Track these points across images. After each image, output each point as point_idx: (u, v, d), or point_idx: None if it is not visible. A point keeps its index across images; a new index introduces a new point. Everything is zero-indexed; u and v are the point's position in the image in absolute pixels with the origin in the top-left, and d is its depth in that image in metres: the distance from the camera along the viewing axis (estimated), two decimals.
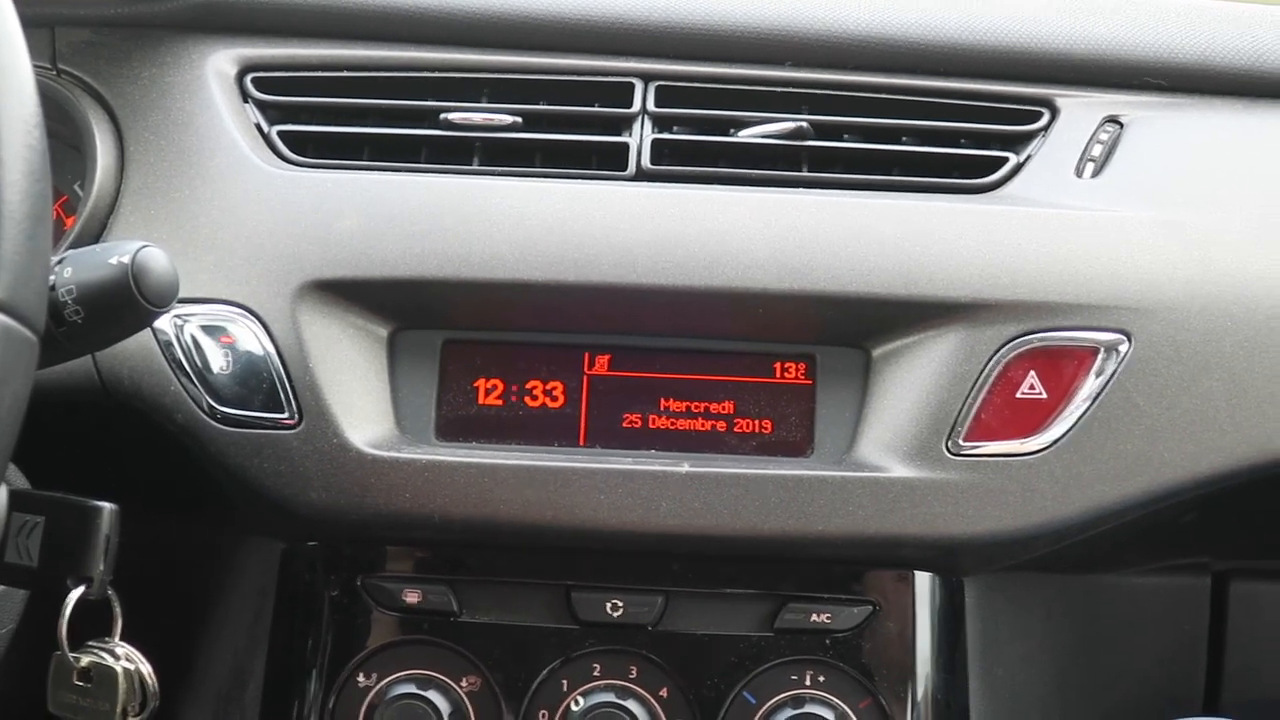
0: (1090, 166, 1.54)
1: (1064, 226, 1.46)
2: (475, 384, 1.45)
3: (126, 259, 1.15)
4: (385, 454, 1.39)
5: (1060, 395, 1.40)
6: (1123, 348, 1.41)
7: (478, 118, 1.55)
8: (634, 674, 1.44)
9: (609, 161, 1.54)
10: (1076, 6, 1.67)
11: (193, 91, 1.56)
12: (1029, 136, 1.57)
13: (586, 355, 1.46)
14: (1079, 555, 1.49)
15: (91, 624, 1.28)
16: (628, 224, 1.44)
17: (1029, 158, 1.55)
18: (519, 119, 1.55)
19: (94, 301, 1.14)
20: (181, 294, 1.21)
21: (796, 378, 1.45)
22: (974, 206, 1.48)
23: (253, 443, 1.39)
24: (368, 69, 1.61)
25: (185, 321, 1.42)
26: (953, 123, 1.58)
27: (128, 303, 1.15)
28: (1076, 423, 1.40)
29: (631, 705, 1.43)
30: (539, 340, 1.46)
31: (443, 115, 1.55)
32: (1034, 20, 1.63)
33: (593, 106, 1.59)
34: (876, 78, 1.60)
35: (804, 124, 1.54)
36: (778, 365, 1.46)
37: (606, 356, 1.46)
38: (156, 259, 1.16)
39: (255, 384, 1.40)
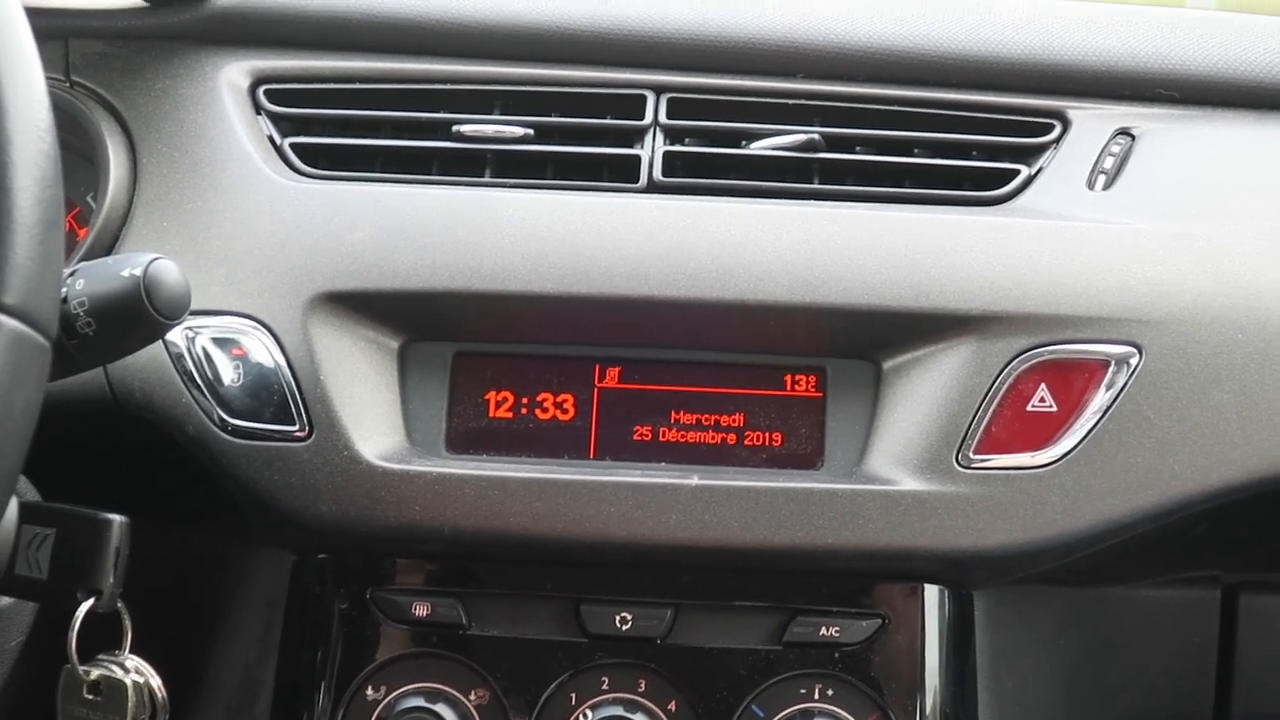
0: (1102, 179, 1.53)
1: (1075, 239, 1.46)
2: (486, 396, 1.45)
3: (139, 271, 1.15)
4: (395, 466, 1.39)
5: (1071, 408, 1.40)
6: (1133, 360, 1.40)
7: (489, 130, 1.55)
8: (643, 687, 1.44)
9: (621, 173, 1.54)
10: (1088, 18, 1.67)
11: (206, 103, 1.56)
12: (1041, 149, 1.57)
13: (597, 367, 1.46)
14: (1089, 568, 1.49)
15: (101, 636, 1.28)
16: (639, 236, 1.44)
17: (1040, 170, 1.55)
18: (531, 131, 1.55)
19: (106, 314, 1.15)
20: (193, 306, 1.21)
21: (807, 390, 1.45)
22: (985, 219, 1.48)
23: (263, 455, 1.40)
24: (380, 81, 1.61)
25: (197, 333, 1.42)
26: (965, 135, 1.58)
27: (140, 315, 1.15)
28: (1087, 435, 1.39)
29: (640, 718, 1.43)
30: (550, 352, 1.46)
31: (455, 127, 1.55)
32: (1046, 32, 1.63)
33: (605, 118, 1.59)
34: (888, 90, 1.60)
35: (816, 136, 1.54)
36: (788, 377, 1.46)
37: (617, 369, 1.46)
38: (168, 271, 1.17)
39: (266, 396, 1.40)
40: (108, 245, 1.49)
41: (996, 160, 1.56)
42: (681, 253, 1.43)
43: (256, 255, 1.45)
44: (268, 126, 1.57)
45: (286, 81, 1.60)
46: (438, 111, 1.59)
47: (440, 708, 1.43)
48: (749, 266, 1.42)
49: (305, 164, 1.54)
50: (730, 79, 1.61)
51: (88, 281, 1.15)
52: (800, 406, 1.45)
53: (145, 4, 1.57)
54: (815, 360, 1.46)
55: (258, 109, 1.58)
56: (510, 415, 1.45)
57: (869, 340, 1.44)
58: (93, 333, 1.14)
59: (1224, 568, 1.64)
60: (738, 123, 1.58)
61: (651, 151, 1.54)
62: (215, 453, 1.40)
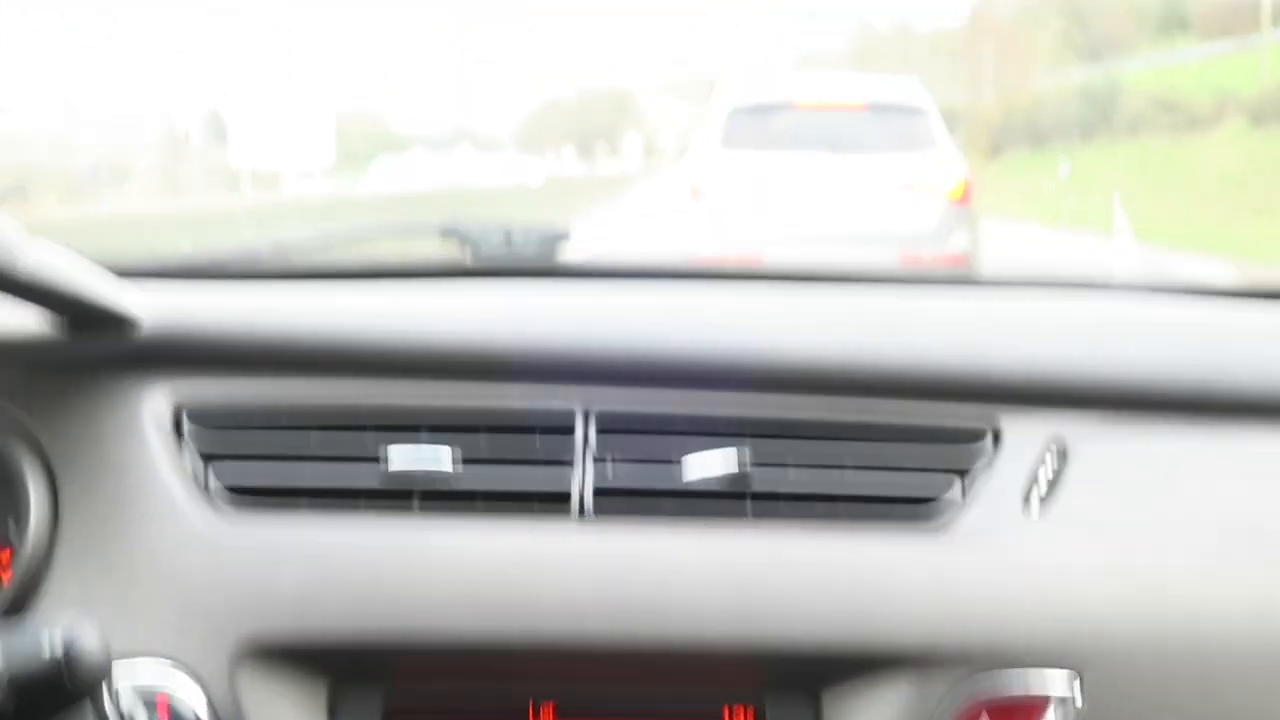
0: (1036, 498, 1.51)
1: (1011, 570, 1.45)
2: None
3: (59, 649, 1.14)
4: None
5: None
6: (1074, 696, 1.39)
7: (417, 467, 1.51)
8: None
9: (551, 501, 1.51)
10: (1020, 324, 1.67)
11: (128, 434, 1.53)
12: (974, 460, 1.55)
13: (530, 703, 1.43)
14: None
15: None
16: (570, 575, 1.43)
17: (974, 486, 1.52)
18: (459, 461, 1.52)
19: (25, 691, 1.13)
20: (116, 650, 1.19)
21: None
22: (919, 552, 1.47)
23: None
24: (306, 406, 1.59)
25: (119, 687, 1.37)
26: (897, 445, 1.56)
27: (59, 691, 1.14)
28: None
29: None
30: (482, 696, 1.44)
31: (382, 459, 1.52)
32: (975, 340, 1.62)
33: (534, 432, 1.56)
34: (819, 404, 1.57)
35: (747, 469, 1.51)
36: (726, 710, 1.43)
37: (551, 704, 1.43)
38: (87, 645, 1.15)
39: None
40: (31, 589, 1.47)
41: (931, 471, 1.54)
42: (613, 590, 1.42)
43: (182, 599, 1.43)
44: (191, 459, 1.53)
45: (210, 409, 1.57)
46: (364, 429, 1.55)
47: None
48: (682, 604, 1.41)
49: (231, 496, 1.51)
50: (659, 390, 1.59)
51: (6, 658, 1.13)
52: None
53: (65, 336, 1.54)
54: (753, 693, 1.43)
55: (180, 437, 1.55)
56: None
57: (807, 674, 1.43)
58: (13, 710, 1.13)
59: None
60: (668, 434, 1.56)
61: (581, 483, 1.52)
62: None
